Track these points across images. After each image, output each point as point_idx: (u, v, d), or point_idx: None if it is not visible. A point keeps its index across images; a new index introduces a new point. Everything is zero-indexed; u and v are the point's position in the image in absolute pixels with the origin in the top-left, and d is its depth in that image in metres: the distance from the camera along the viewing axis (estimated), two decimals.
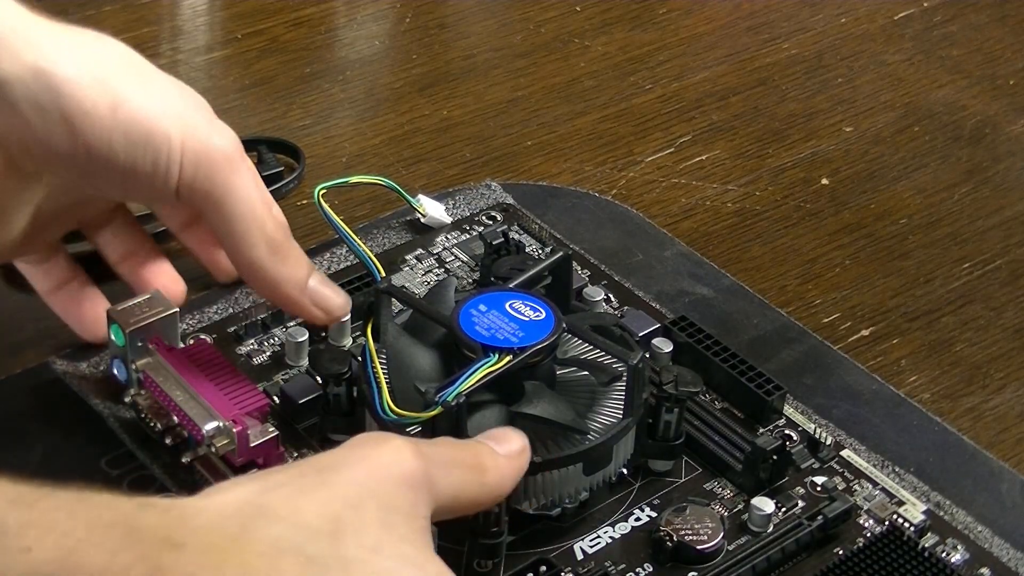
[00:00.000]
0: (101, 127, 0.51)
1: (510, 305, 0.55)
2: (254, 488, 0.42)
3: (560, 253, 0.60)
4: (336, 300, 0.56)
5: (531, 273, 0.59)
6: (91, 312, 0.58)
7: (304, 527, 0.41)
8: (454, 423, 0.50)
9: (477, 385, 0.51)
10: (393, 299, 0.57)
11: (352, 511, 0.42)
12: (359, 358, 0.57)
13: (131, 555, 0.37)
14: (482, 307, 0.55)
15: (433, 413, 0.50)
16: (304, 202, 0.71)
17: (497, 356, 0.53)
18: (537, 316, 0.55)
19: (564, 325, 0.54)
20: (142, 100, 0.52)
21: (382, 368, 0.53)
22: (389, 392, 0.52)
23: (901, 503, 0.56)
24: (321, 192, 0.60)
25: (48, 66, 0.51)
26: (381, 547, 0.41)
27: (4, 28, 0.50)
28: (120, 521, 0.38)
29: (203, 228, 0.59)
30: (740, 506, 0.55)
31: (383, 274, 0.58)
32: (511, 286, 0.58)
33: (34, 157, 0.52)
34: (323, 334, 0.60)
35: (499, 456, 0.48)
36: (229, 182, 0.52)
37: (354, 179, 0.64)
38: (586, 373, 0.56)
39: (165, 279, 0.59)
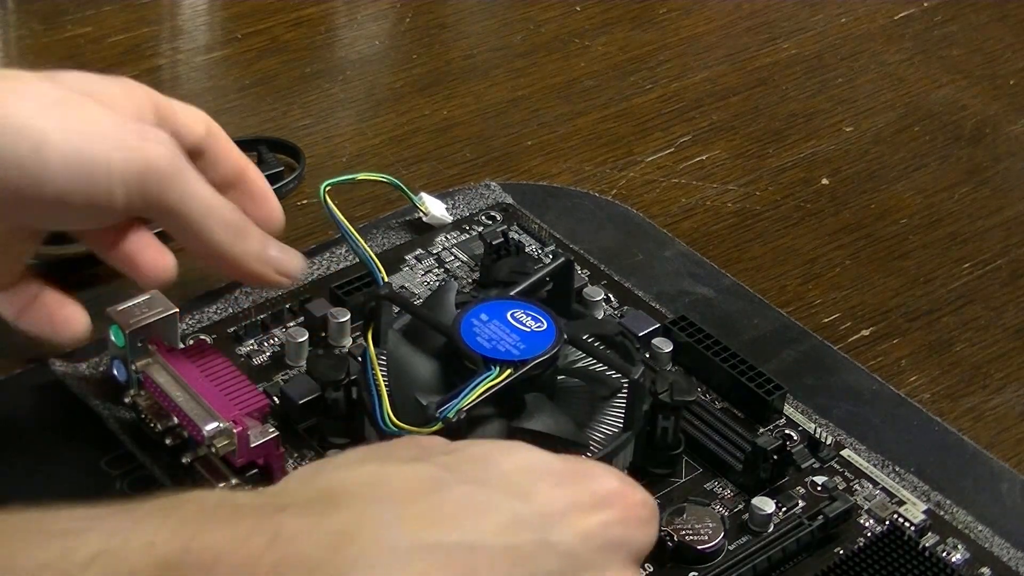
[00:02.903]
0: (32, 171, 0.50)
1: (511, 315, 0.55)
2: (321, 461, 0.45)
3: (562, 259, 0.60)
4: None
5: (533, 280, 0.59)
6: (60, 315, 0.57)
7: (391, 459, 0.42)
8: (454, 439, 0.50)
9: (478, 400, 0.51)
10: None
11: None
12: (359, 358, 0.57)
13: (247, 525, 0.38)
14: (483, 316, 0.55)
15: (434, 429, 0.50)
16: (304, 202, 0.71)
17: (498, 370, 0.53)
18: (538, 327, 0.55)
19: (565, 336, 0.55)
20: (68, 136, 0.50)
21: (382, 375, 0.53)
22: (390, 402, 0.52)
23: (901, 503, 0.56)
24: (326, 189, 0.60)
25: None
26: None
27: None
28: (222, 503, 0.40)
29: (126, 240, 0.57)
30: (740, 506, 0.55)
31: (386, 278, 0.58)
32: (512, 294, 0.58)
33: None
34: (323, 335, 0.60)
35: None
36: (177, 187, 0.52)
37: (360, 176, 0.65)
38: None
39: (153, 252, 0.57)
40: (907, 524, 0.55)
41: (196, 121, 0.57)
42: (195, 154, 0.56)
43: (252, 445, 0.53)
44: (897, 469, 0.58)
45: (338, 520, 0.39)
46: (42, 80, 0.52)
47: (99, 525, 0.36)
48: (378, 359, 0.54)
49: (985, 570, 0.54)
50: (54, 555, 0.35)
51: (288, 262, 0.56)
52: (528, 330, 0.55)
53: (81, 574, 0.35)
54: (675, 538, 0.53)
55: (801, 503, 0.55)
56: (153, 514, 0.38)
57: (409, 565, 0.39)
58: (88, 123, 0.51)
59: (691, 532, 0.53)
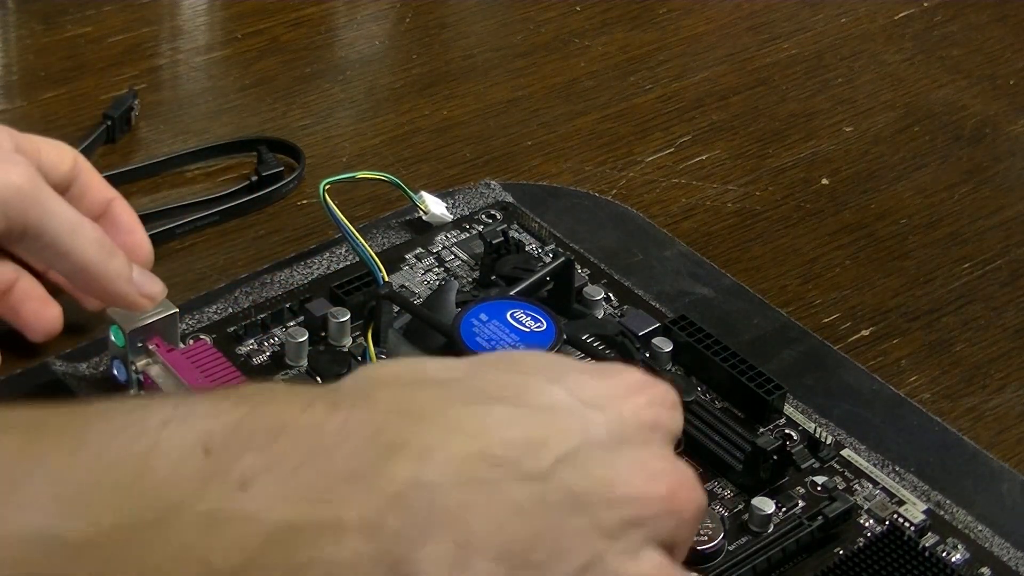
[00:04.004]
0: None
1: (511, 315, 0.55)
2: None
3: (562, 258, 0.60)
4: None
5: (534, 279, 0.59)
6: (32, 308, 0.58)
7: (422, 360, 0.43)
8: None
9: None
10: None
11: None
12: (359, 358, 0.57)
13: (307, 397, 0.39)
14: (483, 316, 0.55)
15: None
16: (304, 202, 0.71)
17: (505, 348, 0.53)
18: (538, 327, 0.55)
19: (564, 336, 0.55)
20: None
21: None
22: None
23: (901, 503, 0.56)
24: (326, 187, 0.61)
25: None
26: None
27: None
28: (277, 385, 0.42)
29: (15, 290, 0.58)
30: (740, 506, 0.55)
31: (386, 278, 0.58)
32: (512, 293, 0.58)
33: None
34: (323, 334, 0.60)
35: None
36: (40, 208, 0.53)
37: (360, 175, 0.65)
38: None
39: (36, 304, 0.58)
40: (907, 524, 0.55)
41: (61, 156, 0.58)
42: (61, 188, 0.57)
43: None
44: (897, 469, 0.58)
45: (391, 396, 0.40)
46: None
47: (164, 399, 0.38)
48: (378, 359, 0.54)
49: (985, 570, 0.54)
50: (125, 422, 0.36)
51: (152, 286, 0.57)
52: (528, 330, 0.55)
53: (152, 436, 0.36)
54: None
55: (801, 503, 0.55)
56: (214, 394, 0.39)
57: (470, 424, 0.39)
58: None
59: None
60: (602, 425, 0.41)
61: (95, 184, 0.59)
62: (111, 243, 0.55)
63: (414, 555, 0.36)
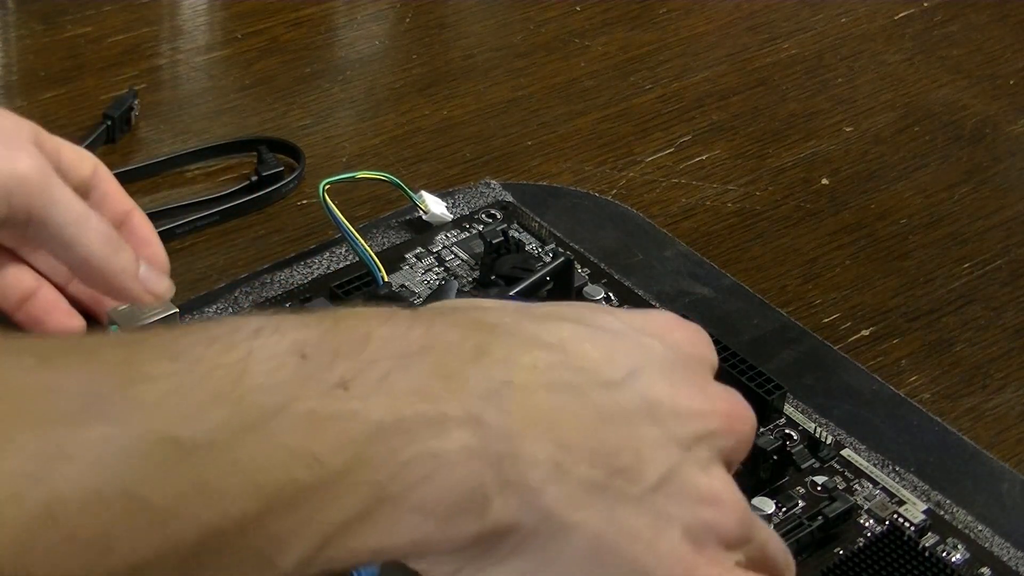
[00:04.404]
0: None
1: None
2: None
3: (562, 258, 0.60)
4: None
5: (534, 279, 0.59)
6: (60, 323, 0.58)
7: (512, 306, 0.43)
8: None
9: None
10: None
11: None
12: None
13: (389, 312, 0.39)
14: None
15: None
16: (304, 202, 0.71)
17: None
18: None
19: None
20: None
21: None
22: None
23: (901, 503, 0.56)
24: (325, 187, 0.61)
25: None
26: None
27: None
28: (356, 308, 0.40)
29: (38, 300, 0.58)
30: None
31: (386, 277, 0.58)
32: (512, 293, 0.58)
33: None
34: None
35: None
36: (46, 197, 0.53)
37: (360, 174, 0.65)
38: None
39: (61, 315, 0.59)
40: (907, 524, 0.55)
41: (82, 160, 0.58)
42: (81, 193, 0.57)
43: None
44: (897, 469, 0.58)
45: (463, 316, 0.41)
46: None
47: (249, 318, 0.37)
48: None
49: (985, 570, 0.54)
50: (219, 332, 0.36)
51: (158, 283, 0.56)
52: None
53: (246, 344, 0.36)
54: None
55: (801, 503, 0.55)
56: (294, 315, 0.39)
57: (547, 335, 0.40)
58: None
59: None
60: (659, 350, 0.42)
61: (114, 194, 0.59)
62: (118, 238, 0.55)
63: (518, 452, 0.37)
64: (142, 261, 0.56)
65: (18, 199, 0.52)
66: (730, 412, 0.42)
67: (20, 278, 0.58)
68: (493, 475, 0.37)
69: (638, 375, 0.40)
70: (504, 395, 0.38)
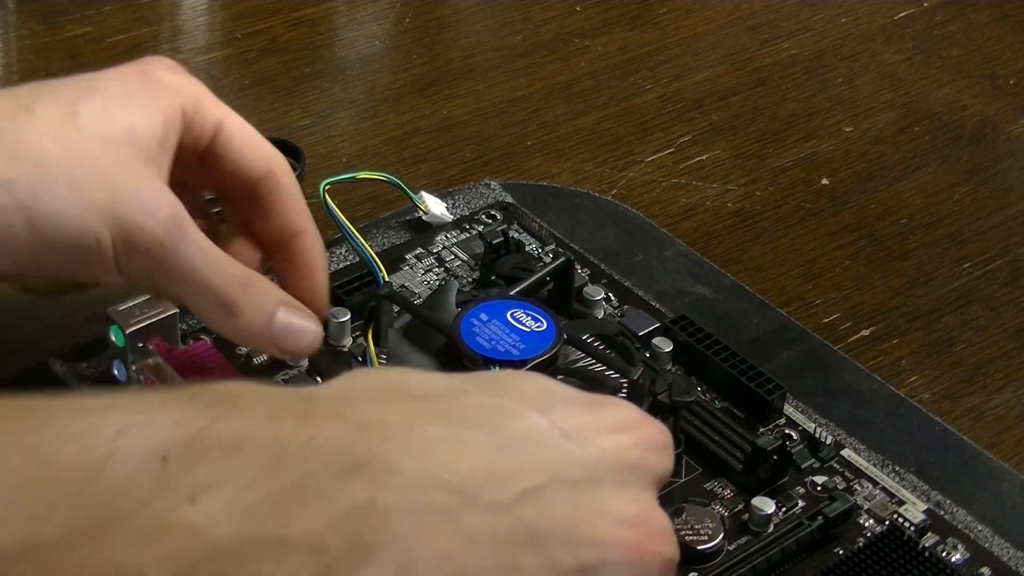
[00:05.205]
0: (22, 248, 0.49)
1: (511, 315, 0.55)
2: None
3: (562, 258, 0.60)
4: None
5: (534, 279, 0.59)
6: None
7: (408, 372, 0.42)
8: None
9: None
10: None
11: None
12: (359, 358, 0.57)
13: (275, 409, 0.38)
14: (483, 316, 0.55)
15: None
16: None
17: (497, 370, 0.53)
18: (538, 327, 0.55)
19: (564, 336, 0.55)
20: (59, 208, 0.49)
21: None
22: None
23: (901, 503, 0.56)
24: (326, 187, 0.60)
25: None
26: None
27: None
28: (249, 390, 0.39)
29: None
30: (740, 506, 0.55)
31: (386, 277, 0.58)
32: (512, 293, 0.58)
33: None
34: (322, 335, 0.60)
35: None
36: (165, 257, 0.50)
37: (360, 175, 0.65)
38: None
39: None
40: (907, 524, 0.55)
41: (258, 158, 0.54)
42: (248, 199, 0.54)
43: None
44: (897, 469, 0.58)
45: (365, 410, 0.39)
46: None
47: (124, 404, 0.36)
48: (378, 359, 0.54)
49: (985, 570, 0.54)
50: (80, 429, 0.35)
51: (294, 339, 0.52)
52: (528, 330, 0.55)
53: (107, 446, 0.35)
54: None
55: (801, 503, 0.55)
56: (179, 398, 0.37)
57: (438, 449, 0.38)
58: (79, 195, 0.49)
59: (691, 532, 0.53)
60: (577, 461, 0.40)
61: (289, 205, 0.54)
62: (241, 299, 0.51)
63: None
64: (281, 306, 0.52)
65: (140, 258, 0.50)
66: (639, 543, 0.39)
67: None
68: None
69: (533, 496, 0.38)
70: (362, 518, 0.36)
